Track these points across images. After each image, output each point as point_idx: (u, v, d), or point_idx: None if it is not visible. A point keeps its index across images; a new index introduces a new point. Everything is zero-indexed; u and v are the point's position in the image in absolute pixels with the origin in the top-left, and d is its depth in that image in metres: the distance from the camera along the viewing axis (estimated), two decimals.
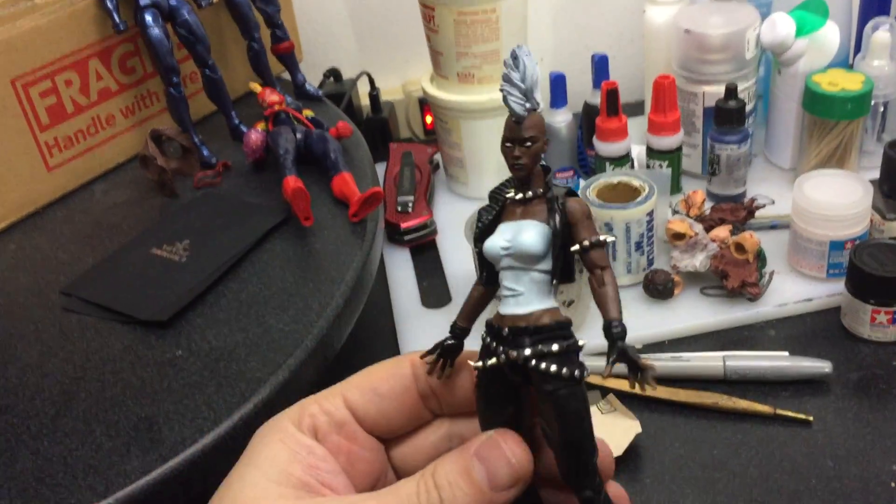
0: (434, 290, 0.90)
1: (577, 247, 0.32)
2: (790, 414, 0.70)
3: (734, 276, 0.80)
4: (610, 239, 0.33)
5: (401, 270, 0.93)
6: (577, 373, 0.31)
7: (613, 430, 0.69)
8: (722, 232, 0.83)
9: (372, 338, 0.85)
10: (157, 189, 0.81)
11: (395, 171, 1.02)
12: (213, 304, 0.66)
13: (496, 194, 0.35)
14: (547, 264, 0.32)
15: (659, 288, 0.82)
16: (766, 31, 0.92)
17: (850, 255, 0.76)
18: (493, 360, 0.33)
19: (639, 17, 1.18)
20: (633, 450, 0.68)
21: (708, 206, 0.90)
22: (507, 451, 0.32)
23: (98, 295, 0.68)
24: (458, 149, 0.99)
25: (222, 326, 0.63)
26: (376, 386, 0.36)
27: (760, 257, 0.82)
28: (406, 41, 1.20)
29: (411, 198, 0.96)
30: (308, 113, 0.85)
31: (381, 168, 1.00)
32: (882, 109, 0.95)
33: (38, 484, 0.51)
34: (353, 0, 1.17)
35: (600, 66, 0.95)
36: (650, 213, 0.82)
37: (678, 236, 0.83)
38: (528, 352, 0.31)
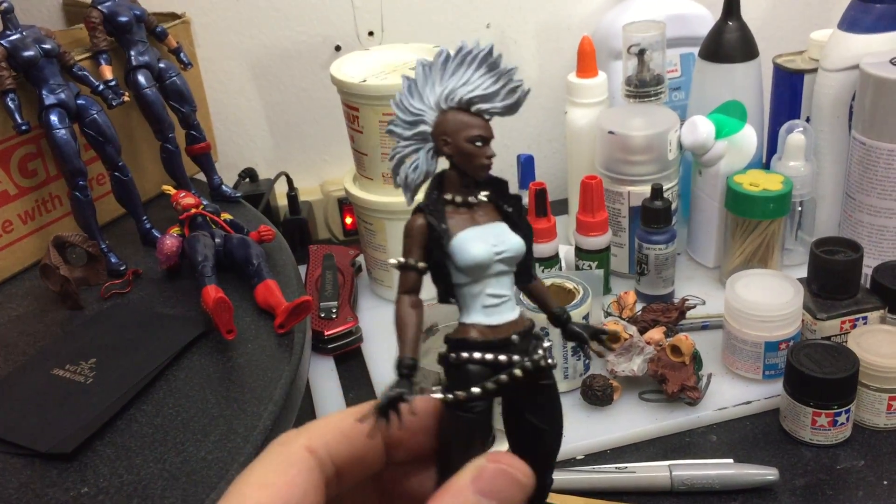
0: (361, 401, 0.84)
1: None
2: None
3: (673, 381, 0.78)
4: None
5: (325, 381, 0.88)
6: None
7: None
8: (656, 334, 0.82)
9: None
10: (59, 301, 0.74)
11: (317, 275, 0.97)
12: (123, 432, 0.59)
13: (433, 206, 0.31)
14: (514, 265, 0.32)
15: (598, 394, 0.79)
16: (687, 133, 0.93)
17: (787, 357, 0.75)
18: (518, 370, 0.30)
19: (556, 118, 1.20)
20: None
21: (639, 306, 0.89)
22: (517, 474, 0.28)
23: None
24: (384, 251, 0.95)
25: (135, 457, 0.57)
26: (287, 499, 0.28)
27: (696, 360, 0.81)
28: (323, 140, 1.17)
29: (335, 303, 0.91)
30: (226, 216, 0.80)
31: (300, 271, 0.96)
32: (799, 208, 0.97)
33: None
34: (269, 99, 1.14)
35: (526, 166, 0.95)
36: (586, 317, 0.80)
37: (614, 339, 0.81)
38: (541, 352, 0.31)
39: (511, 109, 0.31)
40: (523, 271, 0.33)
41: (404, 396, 0.29)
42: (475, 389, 0.30)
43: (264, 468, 0.28)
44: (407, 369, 0.30)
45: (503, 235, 0.31)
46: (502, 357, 0.30)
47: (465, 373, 0.30)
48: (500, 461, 0.28)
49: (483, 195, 0.32)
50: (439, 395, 0.30)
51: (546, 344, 0.31)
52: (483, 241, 0.31)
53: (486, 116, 0.31)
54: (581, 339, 0.33)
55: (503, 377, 0.30)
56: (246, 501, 0.27)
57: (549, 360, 0.31)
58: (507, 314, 0.31)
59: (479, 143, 0.31)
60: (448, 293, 0.32)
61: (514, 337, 0.31)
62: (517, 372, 0.30)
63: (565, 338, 0.34)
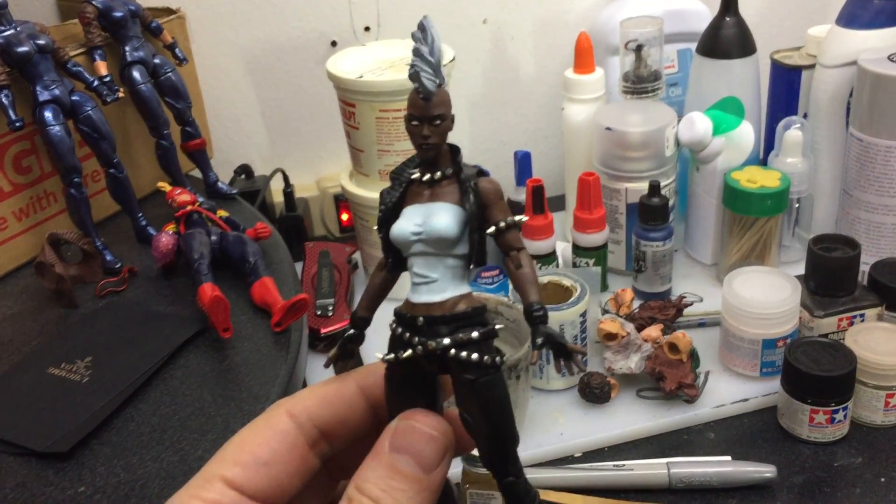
0: None
1: (492, 229, 0.31)
2: None
3: (671, 378, 0.78)
4: (524, 219, 0.32)
5: (322, 379, 0.87)
6: (497, 359, 0.30)
7: None
8: (654, 332, 0.81)
9: None
10: (54, 299, 0.74)
11: (313, 272, 0.97)
12: (120, 430, 0.59)
13: (398, 175, 0.32)
14: (462, 248, 0.31)
15: (595, 391, 0.79)
16: (685, 129, 0.93)
17: (785, 354, 0.75)
18: (409, 351, 0.31)
19: (552, 114, 1.19)
20: None
21: (636, 304, 0.88)
22: (425, 428, 0.30)
23: None
24: (380, 248, 0.95)
25: (132, 456, 0.57)
26: (258, 454, 0.31)
27: (694, 357, 0.81)
28: (319, 137, 1.17)
29: (331, 301, 0.91)
30: (222, 213, 0.80)
31: (296, 268, 0.96)
32: (796, 205, 0.97)
33: None
34: (264, 95, 1.14)
35: (524, 162, 0.94)
36: (583, 314, 0.80)
37: (610, 336, 0.81)
38: (447, 341, 0.30)
39: (424, 92, 0.30)
40: (474, 256, 0.31)
41: (345, 345, 0.33)
42: (389, 356, 0.31)
43: (247, 430, 0.32)
44: (353, 324, 0.33)
45: (432, 216, 0.30)
46: (407, 335, 0.31)
47: (390, 341, 0.32)
48: (410, 418, 0.30)
49: (445, 172, 0.31)
50: (380, 355, 0.32)
51: (474, 335, 0.30)
52: (409, 219, 0.31)
53: (421, 96, 0.30)
54: (534, 345, 0.31)
55: (401, 353, 0.31)
56: (226, 457, 0.31)
57: (462, 355, 0.30)
58: (426, 296, 0.30)
59: (414, 123, 0.30)
60: (400, 264, 0.32)
61: (420, 319, 0.30)
62: (407, 352, 0.31)
63: (533, 337, 0.31)
